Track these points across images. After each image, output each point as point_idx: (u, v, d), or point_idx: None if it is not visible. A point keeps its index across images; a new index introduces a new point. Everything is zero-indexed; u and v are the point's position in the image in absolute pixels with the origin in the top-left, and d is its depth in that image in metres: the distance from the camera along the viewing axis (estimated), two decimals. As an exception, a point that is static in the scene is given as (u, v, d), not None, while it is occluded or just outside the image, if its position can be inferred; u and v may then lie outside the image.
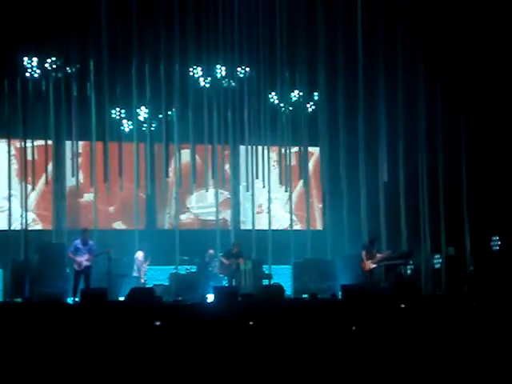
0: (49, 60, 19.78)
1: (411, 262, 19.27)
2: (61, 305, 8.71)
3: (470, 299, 12.23)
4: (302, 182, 22.10)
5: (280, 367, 6.44)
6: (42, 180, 20.37)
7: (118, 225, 20.93)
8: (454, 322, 8.25)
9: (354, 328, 7.83)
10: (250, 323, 8.22)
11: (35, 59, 19.74)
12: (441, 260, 19.98)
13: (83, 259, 16.79)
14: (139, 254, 18.60)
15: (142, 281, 18.34)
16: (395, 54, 20.77)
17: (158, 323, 7.95)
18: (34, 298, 16.62)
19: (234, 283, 18.67)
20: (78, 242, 17.05)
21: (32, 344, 6.93)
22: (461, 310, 9.40)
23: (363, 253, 18.35)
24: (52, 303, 8.58)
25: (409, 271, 19.20)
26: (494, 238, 19.59)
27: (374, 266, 18.20)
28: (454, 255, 20.07)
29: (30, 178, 20.00)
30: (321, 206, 22.30)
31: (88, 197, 20.57)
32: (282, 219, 22.09)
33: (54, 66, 19.81)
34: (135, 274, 18.39)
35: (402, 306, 9.74)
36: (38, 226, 20.44)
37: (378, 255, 18.45)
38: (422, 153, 21.04)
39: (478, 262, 19.57)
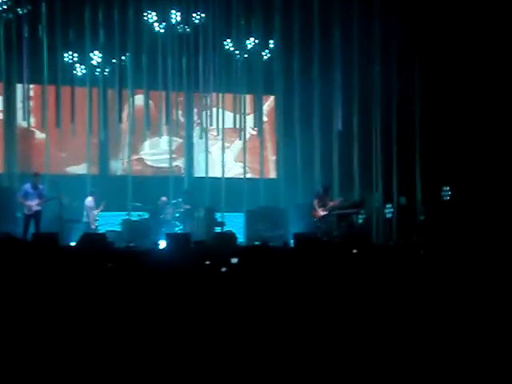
0: (-1, 1, 19.39)
1: (363, 212, 19.46)
2: (13, 240, 8.64)
3: (419, 249, 12.39)
4: (256, 132, 22.07)
5: (231, 314, 6.49)
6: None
7: (70, 170, 20.75)
8: (401, 271, 8.37)
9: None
10: (206, 263, 8.28)
11: (-15, 0, 19.34)
12: (392, 210, 20.22)
13: (33, 203, 16.63)
14: (89, 200, 18.47)
15: (93, 226, 18.24)
16: (351, 2, 20.72)
17: (110, 265, 7.96)
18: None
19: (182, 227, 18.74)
20: (28, 185, 16.87)
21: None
22: (408, 259, 9.52)
23: (315, 201, 18.43)
24: (4, 239, 8.51)
25: (360, 220, 19.39)
26: (445, 189, 19.84)
27: (325, 213, 18.31)
28: (405, 205, 20.31)
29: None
30: (274, 157, 22.29)
31: (40, 140, 20.32)
32: (234, 168, 22.09)
33: (5, 7, 19.42)
34: (85, 219, 18.30)
35: (354, 251, 9.85)
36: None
37: (331, 203, 18.56)
38: (375, 102, 21.16)
39: (428, 212, 19.84)
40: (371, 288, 7.33)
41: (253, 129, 22.10)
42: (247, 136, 21.97)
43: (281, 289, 7.12)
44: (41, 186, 17.00)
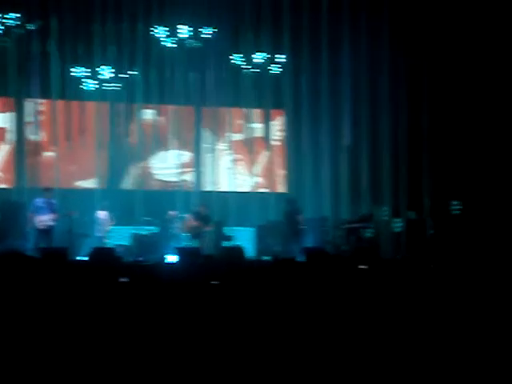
0: (9, 16, 19.48)
1: (371, 226, 19.44)
2: (22, 257, 8.66)
3: (428, 263, 12.37)
4: (265, 146, 22.09)
5: (241, 326, 6.50)
6: (3, 138, 20.14)
7: (80, 184, 20.79)
8: (409, 285, 8.36)
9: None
10: (213, 283, 8.28)
11: (-4, 15, 19.47)
12: (401, 224, 20.18)
13: (46, 218, 16.64)
14: (101, 214, 18.51)
15: (106, 241, 18.29)
16: (360, 18, 20.76)
17: (123, 279, 7.97)
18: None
19: (195, 243, 18.64)
20: (39, 200, 16.88)
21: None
22: (417, 272, 9.51)
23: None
24: (13, 255, 8.53)
25: (369, 235, 19.36)
26: (454, 203, 19.81)
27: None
28: (414, 219, 20.27)
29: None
30: (284, 171, 22.27)
31: (49, 155, 20.38)
32: (243, 182, 22.08)
33: (16, 23, 19.54)
34: (98, 233, 18.33)
35: (362, 266, 9.83)
36: (-1, 185, 20.28)
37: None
38: (384, 116, 21.16)
39: (437, 226, 19.80)
40: (380, 301, 7.33)
41: (262, 143, 22.10)
42: (256, 150, 21.98)
43: (292, 302, 7.12)
44: (53, 201, 17.00)
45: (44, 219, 16.62)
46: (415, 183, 20.86)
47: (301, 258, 14.48)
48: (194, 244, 18.61)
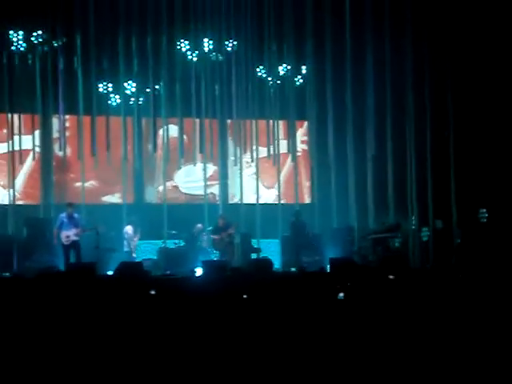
0: (35, 33, 19.67)
1: (399, 235, 19.35)
2: (51, 275, 8.71)
3: (457, 272, 12.30)
4: (290, 158, 22.08)
5: (269, 339, 6.48)
6: (30, 155, 20.28)
7: (106, 199, 20.89)
8: (440, 294, 8.31)
9: (341, 295, 7.89)
10: (244, 296, 8.26)
11: (21, 32, 19.62)
12: (428, 233, 20.08)
13: (71, 233, 16.76)
14: (129, 229, 18.58)
15: (134, 255, 18.35)
16: (383, 27, 20.73)
17: (152, 292, 8.00)
18: (22, 273, 16.61)
19: (225, 257, 18.67)
20: (63, 215, 17.02)
21: (23, 317, 6.95)
22: (447, 282, 9.45)
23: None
24: (43, 274, 8.59)
25: (397, 244, 19.28)
26: (482, 211, 19.68)
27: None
28: (442, 228, 20.15)
29: (16, 153, 19.91)
30: (309, 183, 22.26)
31: (75, 170, 20.50)
32: (269, 194, 22.07)
33: (41, 40, 19.72)
34: (126, 248, 18.39)
35: (391, 277, 9.79)
36: (25, 202, 20.37)
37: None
38: (409, 125, 21.09)
39: (465, 235, 19.67)
40: (408, 311, 7.28)
41: (287, 154, 22.10)
42: (281, 162, 21.97)
43: (319, 313, 7.10)
44: (76, 215, 17.14)
45: (68, 234, 16.73)
46: (442, 192, 20.74)
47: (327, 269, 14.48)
48: (221, 257, 18.64)
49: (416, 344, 6.41)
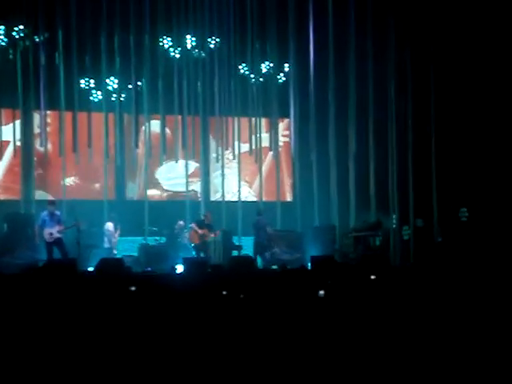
0: (16, 28, 19.57)
1: (380, 234, 19.40)
2: (31, 271, 8.68)
3: (437, 270, 12.35)
4: (271, 154, 22.09)
5: (250, 335, 6.49)
6: (10, 150, 20.19)
7: (87, 195, 20.80)
8: (420, 292, 8.35)
9: (321, 292, 7.91)
10: (224, 293, 8.27)
11: (2, 27, 19.53)
12: (409, 231, 20.14)
13: (54, 231, 16.69)
14: (109, 225, 18.52)
15: (115, 251, 18.30)
16: (366, 26, 20.78)
17: (133, 288, 7.99)
18: (2, 269, 16.51)
19: (201, 254, 18.60)
20: (45, 213, 16.94)
21: (3, 313, 6.93)
22: (427, 280, 9.50)
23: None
24: (26, 270, 8.56)
25: (377, 242, 19.33)
26: (462, 210, 19.76)
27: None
28: (422, 226, 20.21)
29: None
30: (290, 180, 22.27)
31: (56, 166, 20.40)
32: (250, 191, 22.06)
33: (22, 35, 19.63)
34: (106, 245, 18.34)
35: (372, 277, 9.81)
36: (5, 197, 20.28)
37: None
38: (391, 124, 21.15)
39: (445, 233, 19.75)
40: (388, 309, 7.32)
41: (268, 152, 22.10)
42: (263, 159, 21.98)
43: (299, 310, 7.12)
44: (58, 213, 17.08)
45: (51, 232, 16.67)
46: (423, 190, 20.82)
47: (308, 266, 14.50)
48: (200, 254, 18.60)
49: (396, 341, 6.44)
